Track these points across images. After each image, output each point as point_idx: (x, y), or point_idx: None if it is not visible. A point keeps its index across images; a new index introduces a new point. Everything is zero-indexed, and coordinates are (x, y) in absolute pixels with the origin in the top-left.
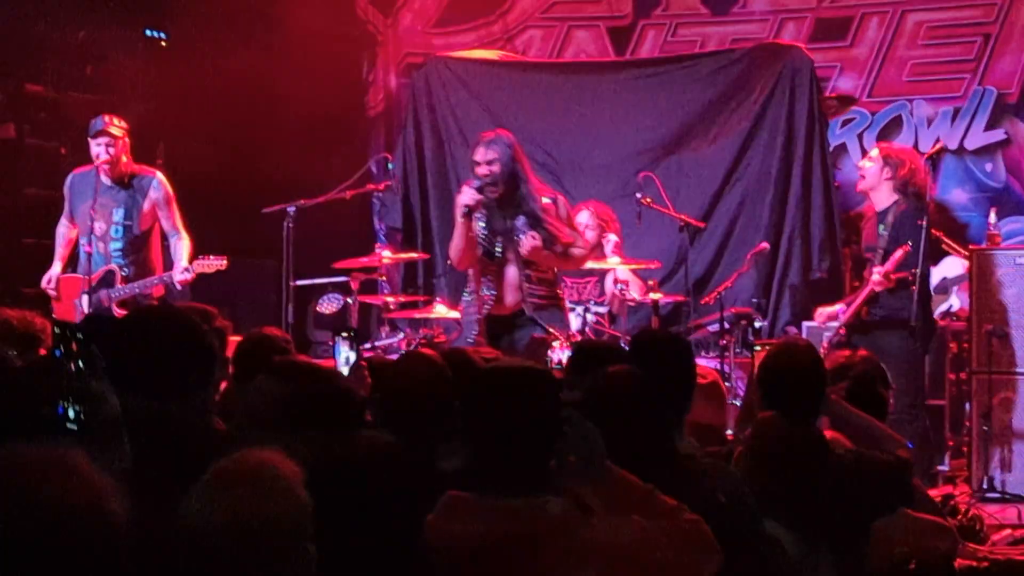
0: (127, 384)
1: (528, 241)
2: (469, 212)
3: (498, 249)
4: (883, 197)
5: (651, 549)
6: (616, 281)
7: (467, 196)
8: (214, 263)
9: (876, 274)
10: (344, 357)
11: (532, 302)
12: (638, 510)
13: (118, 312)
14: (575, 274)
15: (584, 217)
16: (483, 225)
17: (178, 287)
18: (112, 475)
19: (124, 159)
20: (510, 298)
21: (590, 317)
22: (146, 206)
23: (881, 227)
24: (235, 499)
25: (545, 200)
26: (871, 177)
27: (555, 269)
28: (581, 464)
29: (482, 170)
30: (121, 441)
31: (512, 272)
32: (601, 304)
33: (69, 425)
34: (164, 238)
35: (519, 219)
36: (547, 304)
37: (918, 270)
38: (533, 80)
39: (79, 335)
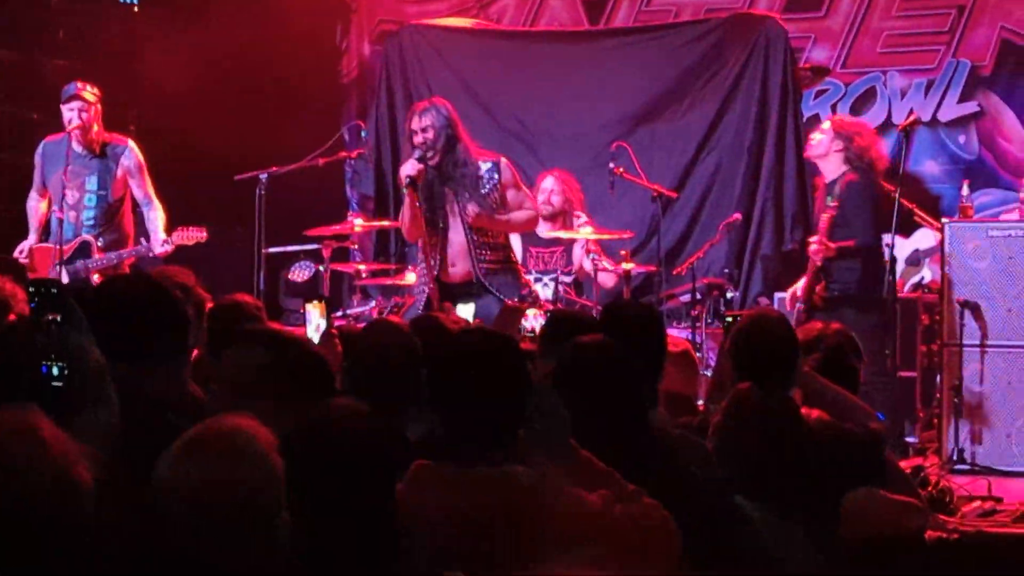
0: (101, 349)
1: (472, 208)
2: (413, 183)
3: (441, 217)
4: (832, 167)
5: (617, 524)
6: (589, 251)
7: (409, 167)
8: (193, 235)
9: (812, 243)
10: (315, 324)
11: (483, 268)
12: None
13: (97, 282)
14: (542, 244)
15: (549, 183)
16: (426, 195)
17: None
18: (93, 435)
19: (96, 127)
20: (460, 266)
21: (560, 287)
22: (119, 174)
23: (829, 198)
24: (207, 464)
25: (485, 164)
26: (818, 146)
27: (507, 234)
28: (545, 437)
29: (418, 139)
30: (108, 394)
31: (458, 239)
32: (568, 274)
33: (55, 384)
34: (136, 206)
35: (461, 185)
36: (498, 269)
37: (892, 240)
38: (506, 49)
39: (54, 290)
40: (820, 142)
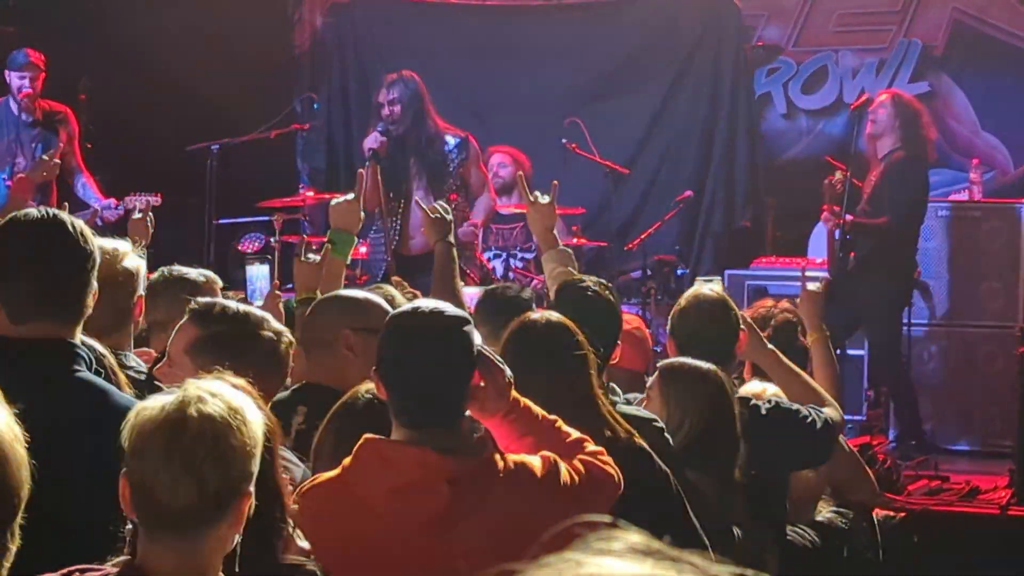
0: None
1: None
2: (375, 155)
3: (403, 191)
4: (887, 144)
5: (561, 483)
6: None
7: (371, 139)
8: (146, 198)
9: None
10: (256, 286)
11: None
12: (543, 441)
13: None
14: (502, 221)
15: (495, 159)
16: (388, 168)
17: (100, 222)
18: None
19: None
20: (419, 238)
21: (515, 263)
22: (61, 142)
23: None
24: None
25: (453, 139)
26: (879, 123)
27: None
28: (490, 394)
29: (384, 111)
30: None
31: (418, 213)
32: (528, 251)
33: None
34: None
35: (425, 161)
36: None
37: (842, 220)
38: (460, 22)
39: None
40: (881, 118)
